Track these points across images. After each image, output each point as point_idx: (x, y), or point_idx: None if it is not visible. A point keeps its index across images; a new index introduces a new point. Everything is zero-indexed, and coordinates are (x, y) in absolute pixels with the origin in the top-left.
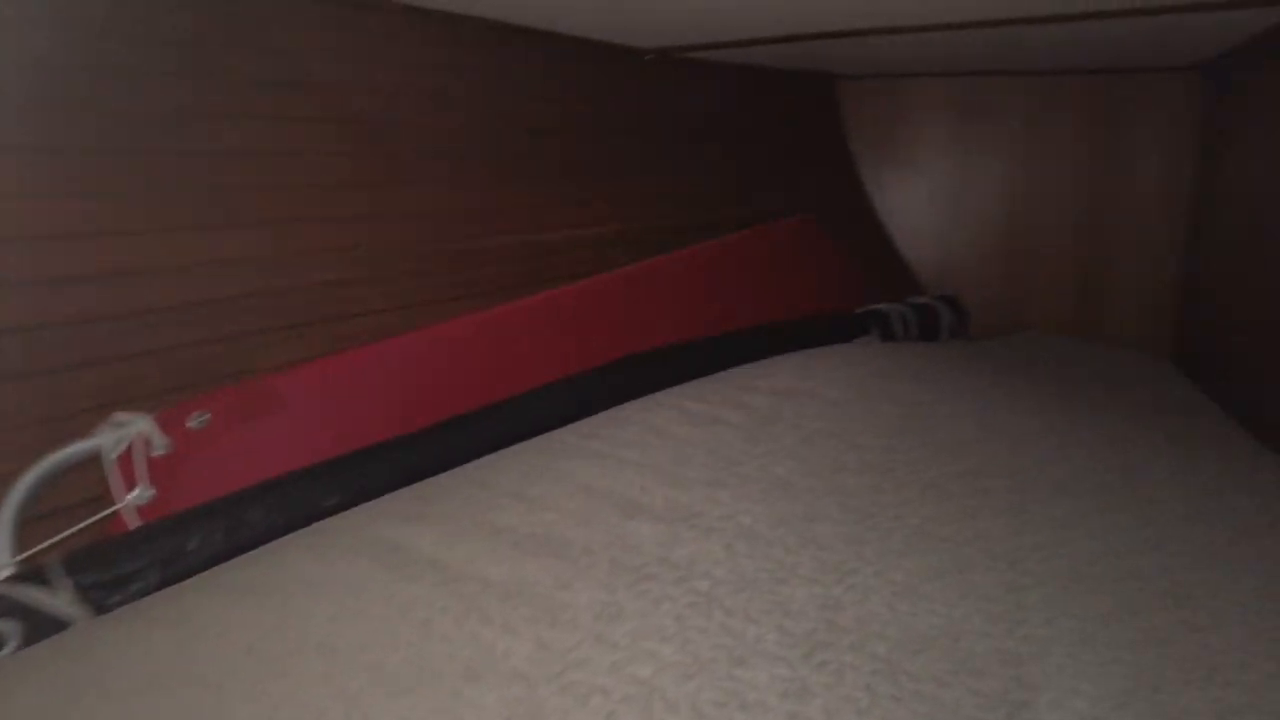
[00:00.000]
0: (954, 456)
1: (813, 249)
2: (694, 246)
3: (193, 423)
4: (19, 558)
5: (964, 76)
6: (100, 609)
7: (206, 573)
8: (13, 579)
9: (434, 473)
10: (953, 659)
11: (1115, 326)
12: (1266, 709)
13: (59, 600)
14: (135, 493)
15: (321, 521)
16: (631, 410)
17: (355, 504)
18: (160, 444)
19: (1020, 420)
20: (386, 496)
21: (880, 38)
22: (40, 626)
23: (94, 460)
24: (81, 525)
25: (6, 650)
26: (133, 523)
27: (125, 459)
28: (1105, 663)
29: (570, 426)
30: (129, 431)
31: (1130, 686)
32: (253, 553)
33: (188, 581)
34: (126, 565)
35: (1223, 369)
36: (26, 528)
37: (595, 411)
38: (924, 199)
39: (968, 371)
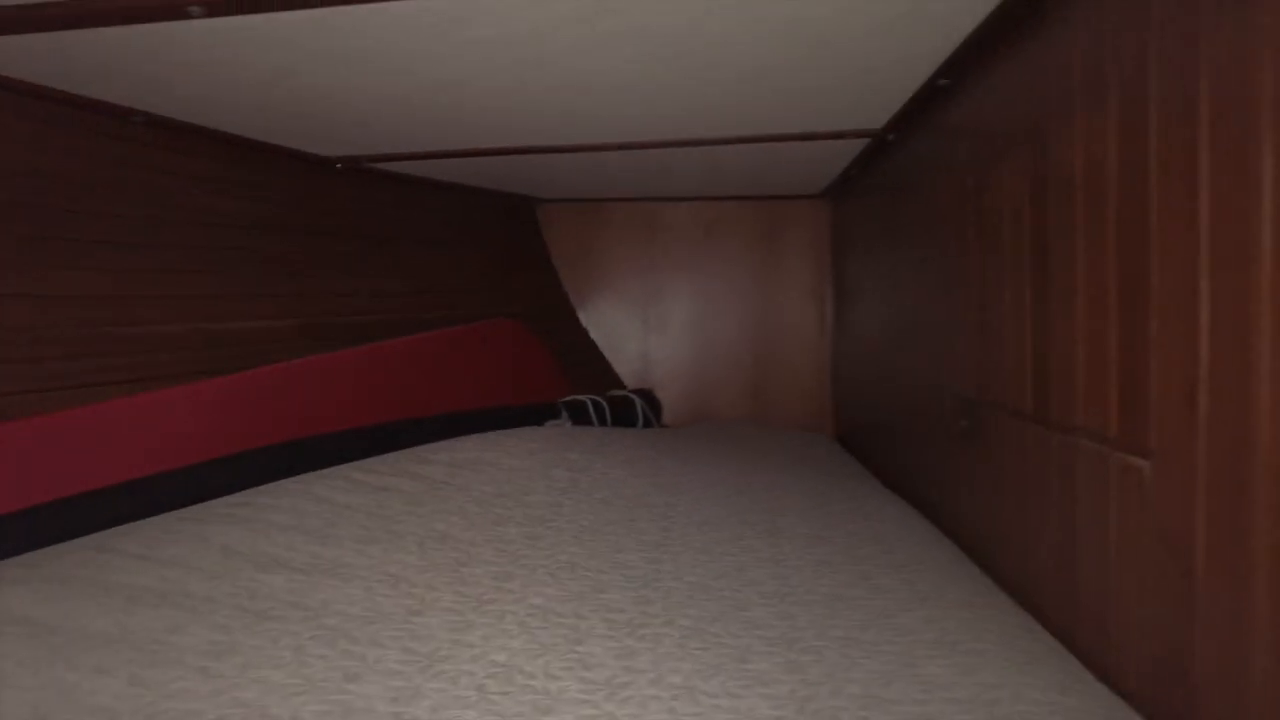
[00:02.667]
0: (611, 507)
1: (518, 347)
2: (390, 340)
3: None
4: None
5: (648, 201)
6: None
7: None
8: None
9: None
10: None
11: (786, 413)
12: None
13: None
14: None
15: None
16: (294, 481)
17: None
18: None
19: (679, 475)
20: None
21: (538, 157)
22: None
23: None
24: None
25: None
26: None
27: None
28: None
29: (223, 498)
30: None
31: None
32: None
33: None
34: None
35: (863, 440)
36: None
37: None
38: (619, 308)
39: (641, 445)
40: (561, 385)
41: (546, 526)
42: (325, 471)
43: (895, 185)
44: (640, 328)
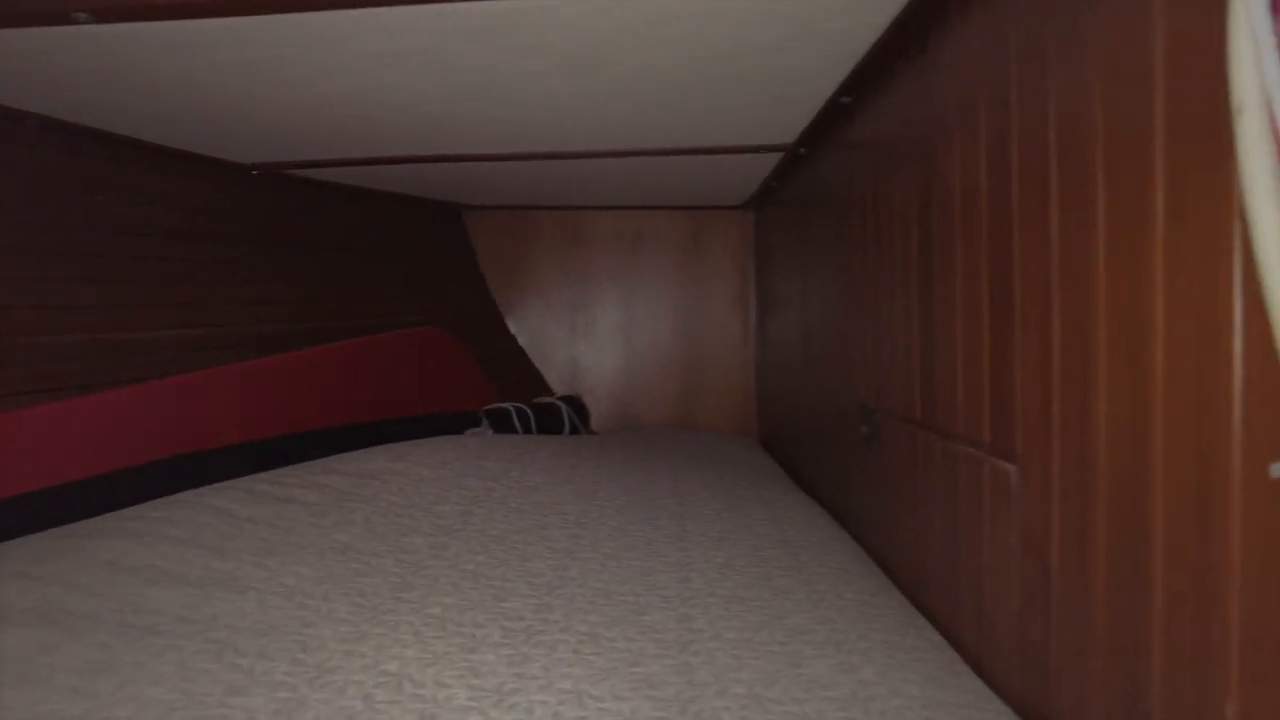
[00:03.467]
0: (524, 515)
1: (442, 355)
2: (312, 348)
3: None
4: None
5: (575, 210)
6: None
7: None
8: None
9: None
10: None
11: (713, 418)
12: None
13: None
14: None
15: None
16: (192, 494)
17: None
18: None
19: (597, 482)
20: None
21: (452, 165)
22: None
23: None
24: None
25: None
26: None
27: None
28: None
29: (114, 512)
30: None
31: None
32: None
33: None
34: None
35: (784, 445)
36: None
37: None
38: (547, 315)
39: (562, 452)
40: (488, 393)
41: (454, 536)
42: (227, 483)
43: (807, 198)
44: (568, 334)
